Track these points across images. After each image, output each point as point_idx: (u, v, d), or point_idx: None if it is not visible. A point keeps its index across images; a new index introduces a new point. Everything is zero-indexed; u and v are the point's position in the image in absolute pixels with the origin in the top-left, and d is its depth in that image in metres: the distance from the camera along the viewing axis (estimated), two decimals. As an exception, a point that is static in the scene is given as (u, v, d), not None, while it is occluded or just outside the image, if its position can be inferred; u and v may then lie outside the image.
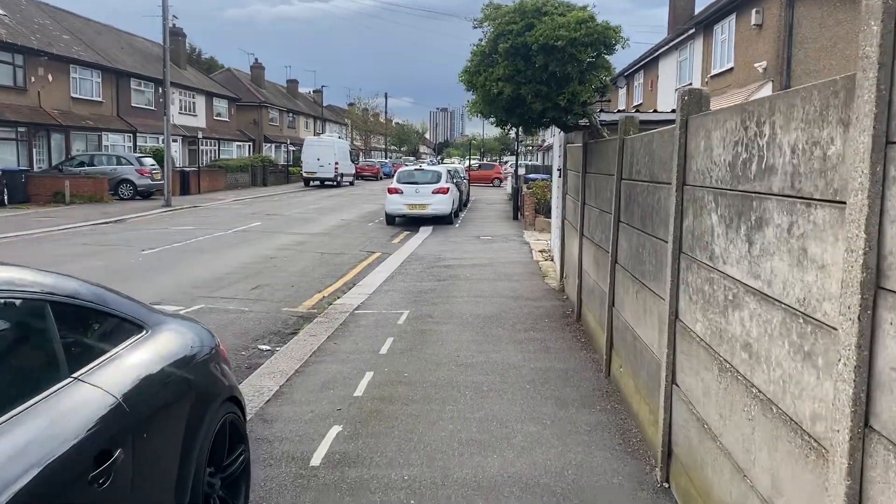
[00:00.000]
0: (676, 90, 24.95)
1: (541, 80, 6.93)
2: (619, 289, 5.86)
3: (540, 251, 14.98)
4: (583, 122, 7.69)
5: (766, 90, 17.05)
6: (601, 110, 7.84)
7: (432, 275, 11.78)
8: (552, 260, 13.28)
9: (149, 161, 29.12)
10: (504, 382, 6.03)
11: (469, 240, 17.06)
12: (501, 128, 7.83)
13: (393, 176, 22.22)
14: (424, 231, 19.23)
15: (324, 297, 10.18)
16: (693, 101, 3.91)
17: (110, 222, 20.00)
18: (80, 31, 38.10)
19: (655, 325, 4.51)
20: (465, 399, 5.61)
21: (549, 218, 19.31)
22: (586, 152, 7.97)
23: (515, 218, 22.61)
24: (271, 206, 27.52)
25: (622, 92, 31.98)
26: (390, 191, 20.63)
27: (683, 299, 3.91)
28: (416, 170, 22.11)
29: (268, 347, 7.46)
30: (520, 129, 7.99)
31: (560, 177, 11.68)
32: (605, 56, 7.10)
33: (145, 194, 28.56)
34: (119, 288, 3.37)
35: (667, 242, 4.17)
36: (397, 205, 20.45)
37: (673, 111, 11.57)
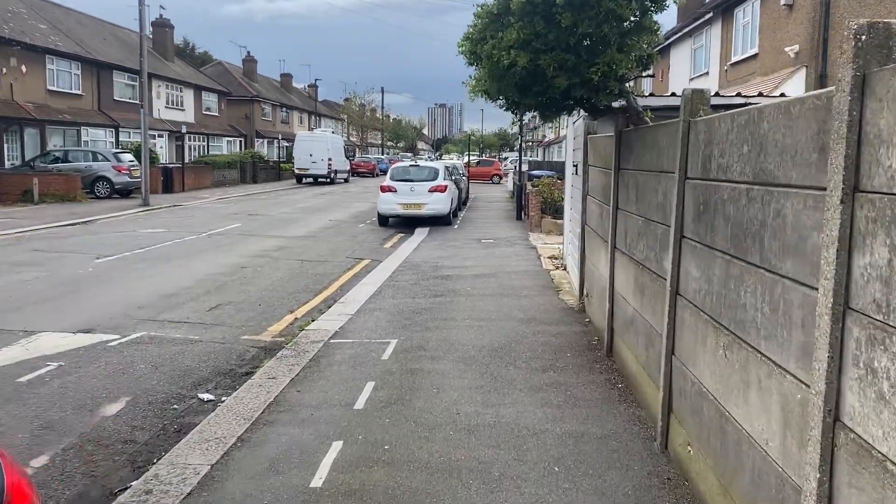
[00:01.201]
0: (691, 80, 23.25)
1: (567, 47, 5.22)
2: (685, 333, 4.17)
3: (550, 258, 13.28)
4: (617, 103, 5.99)
5: (799, 77, 15.36)
6: (630, 92, 6.18)
7: (427, 289, 10.09)
8: (565, 269, 11.58)
9: (127, 157, 27.36)
10: (522, 462, 4.33)
11: (469, 243, 15.36)
12: (513, 113, 6.16)
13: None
14: (420, 233, 17.53)
15: (296, 318, 8.48)
16: (877, 44, 2.21)
17: (77, 223, 18.28)
18: (60, 21, 36.27)
19: (776, 415, 2.82)
20: (468, 494, 3.92)
21: (557, 219, 17.64)
22: (620, 143, 6.28)
23: (519, 218, 20.91)
24: (257, 205, 25.80)
25: (628, 84, 30.18)
26: (383, 189, 18.92)
27: (854, 391, 2.23)
28: (411, 166, 20.40)
29: (210, 397, 5.76)
30: (535, 114, 6.27)
31: (576, 174, 9.98)
32: (653, 14, 5.39)
33: (124, 192, 26.82)
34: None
35: (813, 289, 2.48)
36: (391, 204, 18.75)
37: (719, 94, 9.88)
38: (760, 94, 9.84)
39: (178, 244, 14.53)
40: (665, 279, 4.57)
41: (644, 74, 5.81)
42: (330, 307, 9.02)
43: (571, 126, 11.28)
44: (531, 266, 12.26)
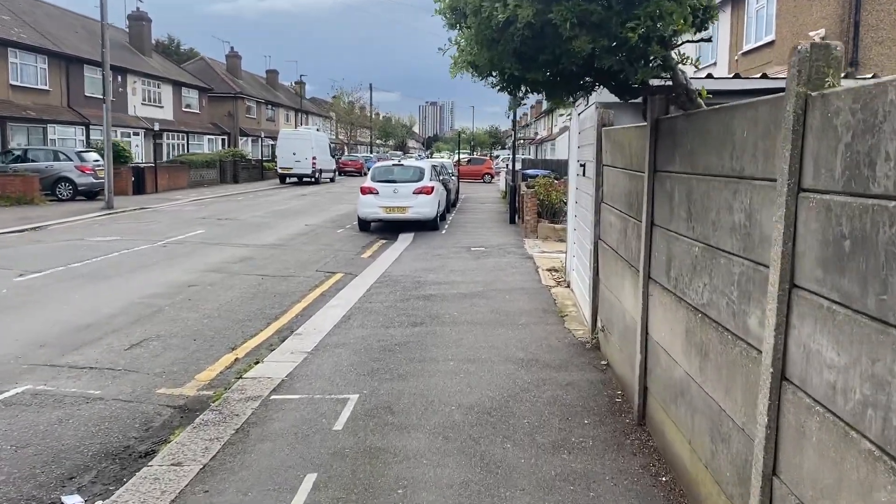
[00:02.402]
0: (696, 72, 21.60)
1: (592, -7, 3.53)
2: (806, 453, 2.47)
3: (549, 270, 11.59)
4: (658, 80, 4.29)
5: (826, 65, 13.69)
6: (679, 63, 4.43)
7: (405, 313, 8.37)
8: (569, 287, 9.88)
9: (92, 156, 25.46)
10: None
11: (457, 252, 13.65)
12: (510, 93, 4.45)
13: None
14: (404, 240, 15.81)
15: (237, 359, 6.75)
16: None
17: (24, 230, 16.44)
18: (26, 13, 34.27)
19: None
20: None
21: (555, 224, 15.96)
22: (658, 136, 4.58)
23: (512, 222, 19.20)
24: (231, 207, 23.97)
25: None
26: (363, 190, 17.17)
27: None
28: (394, 165, 18.65)
29: (78, 501, 4.02)
30: (540, 97, 4.56)
31: (583, 175, 8.29)
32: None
33: (89, 194, 24.93)
34: None
35: None
36: (372, 207, 17.00)
37: (764, 75, 8.27)
38: (765, 76, 8.15)
39: (125, 256, 12.74)
40: (757, 349, 2.88)
41: (698, 38, 4.12)
42: (284, 341, 7.29)
43: (576, 118, 9.59)
44: (528, 281, 10.56)
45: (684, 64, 4.17)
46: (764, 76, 7.84)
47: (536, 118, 77.52)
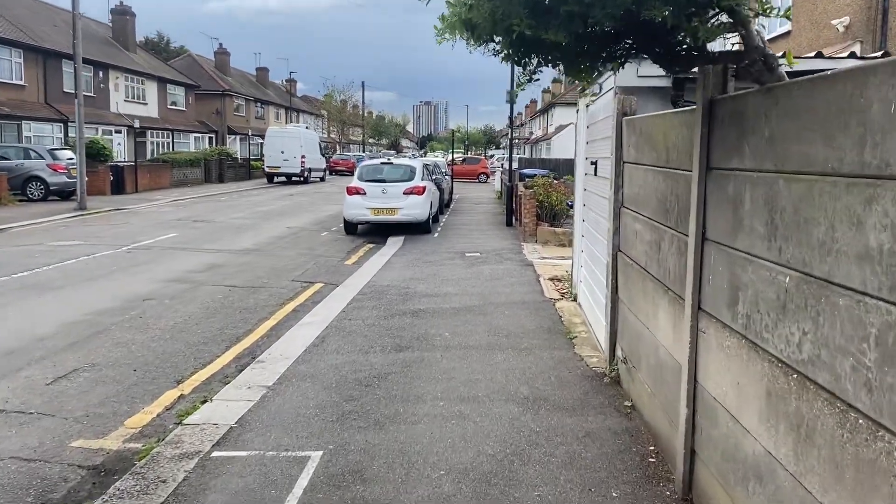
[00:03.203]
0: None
1: None
2: None
3: (552, 280, 10.46)
4: (714, 46, 3.16)
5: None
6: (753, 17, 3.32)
7: (390, 334, 7.23)
8: (576, 301, 8.75)
9: (65, 154, 24.18)
10: None
11: (450, 259, 12.51)
12: (517, 63, 3.32)
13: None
14: (393, 243, 14.66)
15: (181, 396, 5.58)
16: None
17: (-17, 233, 15.21)
18: (3, 6, 32.92)
19: None
20: None
21: (556, 227, 14.84)
22: (712, 121, 3.45)
23: (509, 224, 18.06)
24: (211, 207, 22.75)
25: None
26: (350, 191, 16.00)
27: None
28: (383, 164, 17.48)
29: None
30: (557, 69, 3.44)
31: (595, 175, 7.17)
32: None
33: (62, 194, 23.63)
34: None
35: None
36: (358, 209, 15.83)
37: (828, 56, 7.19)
38: (853, 55, 7.05)
39: (83, 263, 11.53)
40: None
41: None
42: (242, 370, 6.14)
43: (583, 110, 8.47)
44: (529, 293, 9.43)
45: (767, 14, 3.03)
46: (852, 55, 6.79)
47: (531, 117, 76.49)
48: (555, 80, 69.85)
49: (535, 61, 3.50)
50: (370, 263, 12.16)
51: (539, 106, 75.60)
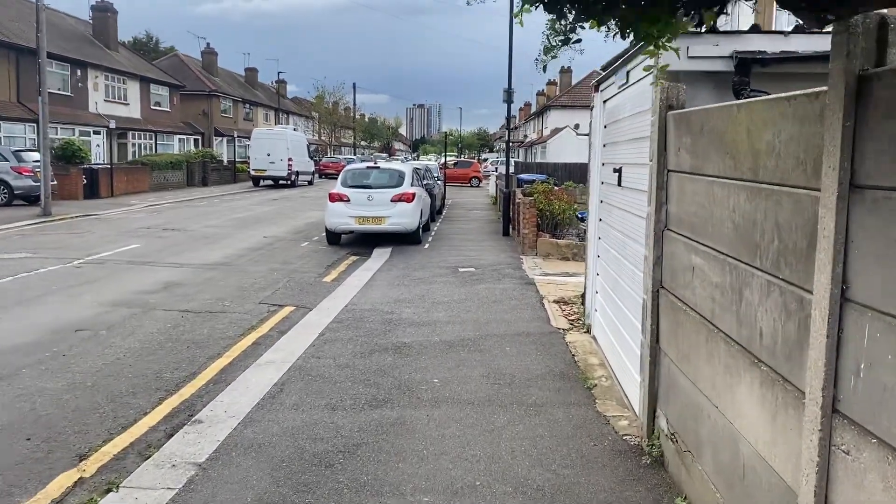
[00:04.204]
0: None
1: None
2: None
3: (557, 303, 9.10)
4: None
5: None
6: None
7: (365, 380, 5.86)
8: (589, 333, 7.38)
9: (32, 156, 22.65)
10: None
11: (442, 275, 11.14)
12: (556, 16, 2.01)
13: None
14: (379, 256, 13.30)
15: (78, 481, 4.16)
16: None
17: (-74, 243, 13.72)
18: (-26, 0, 31.39)
19: None
20: None
21: (557, 238, 13.50)
22: (863, 112, 2.09)
23: (506, 233, 16.69)
24: (187, 213, 21.28)
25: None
26: (332, 197, 14.59)
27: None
28: (369, 168, 16.10)
29: None
30: (612, 25, 2.16)
31: (621, 184, 5.82)
32: None
33: (29, 199, 22.12)
34: None
35: None
36: (341, 217, 14.42)
37: None
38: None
39: (20, 281, 10.07)
40: None
41: None
42: (172, 435, 4.75)
43: (600, 106, 7.12)
44: (534, 321, 8.06)
45: None
46: None
47: (525, 120, 75.29)
48: (526, 103, 68.36)
49: (572, 14, 2.13)
50: (351, 280, 10.78)
51: (533, 108, 74.37)
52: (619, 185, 5.82)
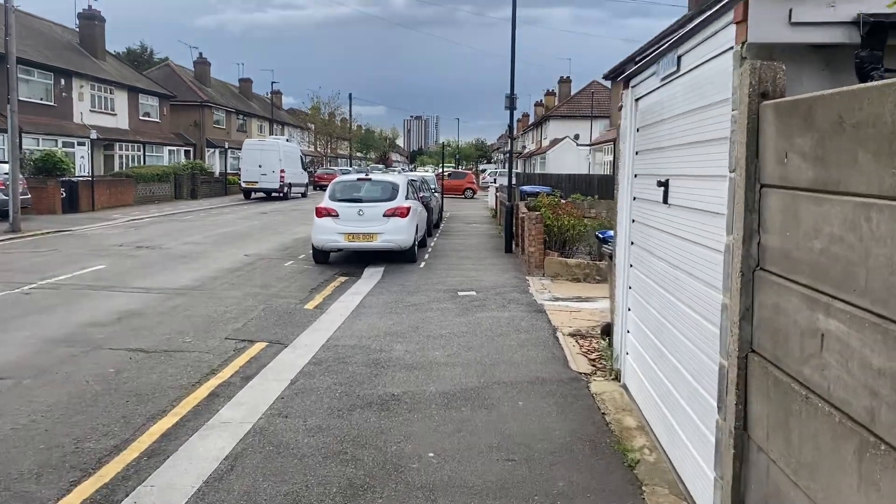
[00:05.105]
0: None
1: None
2: None
3: (573, 336, 7.82)
4: None
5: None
6: None
7: (339, 456, 4.56)
8: (618, 381, 6.08)
9: (3, 168, 21.36)
10: None
11: (439, 301, 9.85)
12: None
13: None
14: (370, 275, 12.03)
15: None
16: None
17: None
18: (-47, 6, 30.14)
19: None
20: None
21: (566, 257, 12.23)
22: None
23: (509, 251, 15.40)
24: (168, 229, 19.97)
25: None
26: (319, 212, 13.31)
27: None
28: (360, 180, 14.82)
29: None
30: None
31: (667, 202, 4.56)
32: None
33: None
34: None
35: None
36: (329, 234, 13.14)
37: None
38: None
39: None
40: None
41: None
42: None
43: (630, 106, 5.86)
44: (548, 362, 6.77)
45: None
46: None
47: (524, 131, 74.22)
48: (524, 115, 67.48)
49: None
50: (337, 307, 9.50)
51: (532, 119, 73.25)
52: (666, 202, 4.55)
